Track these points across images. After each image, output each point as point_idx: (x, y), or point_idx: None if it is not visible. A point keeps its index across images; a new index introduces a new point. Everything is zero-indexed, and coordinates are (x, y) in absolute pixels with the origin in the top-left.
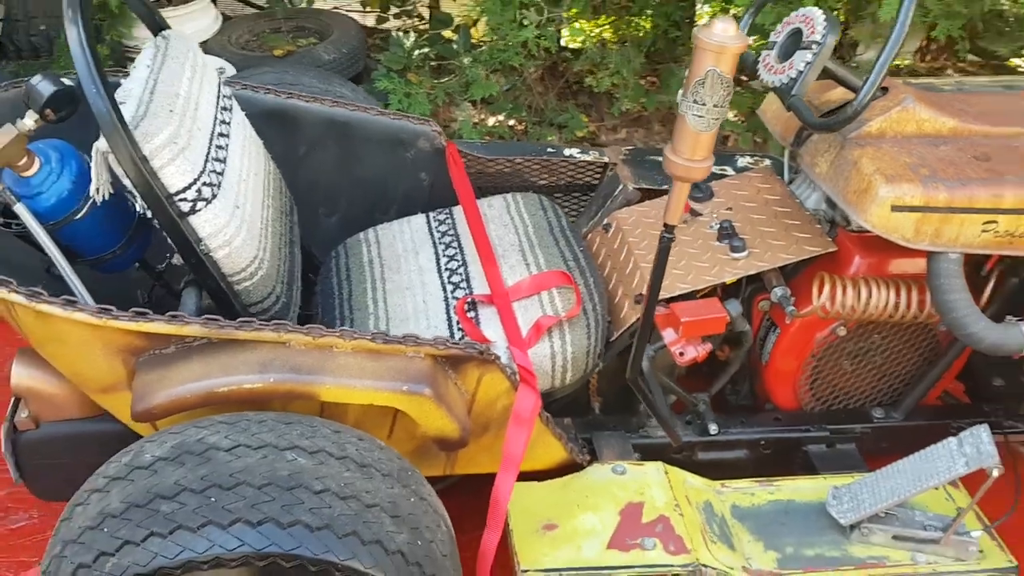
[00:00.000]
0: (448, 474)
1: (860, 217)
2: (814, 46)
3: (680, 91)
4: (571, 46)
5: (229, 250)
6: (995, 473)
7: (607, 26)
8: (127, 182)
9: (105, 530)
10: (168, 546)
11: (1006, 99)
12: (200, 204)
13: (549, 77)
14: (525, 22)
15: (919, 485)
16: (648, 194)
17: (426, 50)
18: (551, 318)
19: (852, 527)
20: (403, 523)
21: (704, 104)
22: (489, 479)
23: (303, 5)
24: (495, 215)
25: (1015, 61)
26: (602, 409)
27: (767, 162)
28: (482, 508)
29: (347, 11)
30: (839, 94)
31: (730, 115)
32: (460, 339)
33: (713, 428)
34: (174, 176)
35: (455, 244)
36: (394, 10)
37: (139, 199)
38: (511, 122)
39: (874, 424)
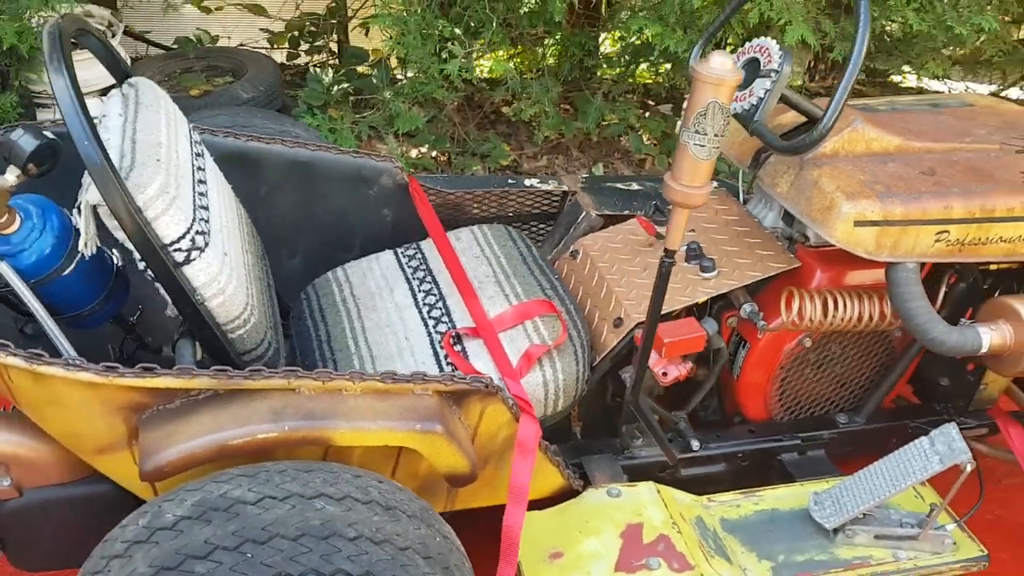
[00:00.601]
0: (447, 510)
1: (826, 233)
2: (772, 74)
3: (680, 123)
4: (489, 77)
5: (223, 298)
6: (968, 468)
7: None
8: (119, 234)
9: None
10: None
11: (936, 117)
12: (195, 253)
13: (467, 108)
14: (447, 55)
15: (897, 485)
16: (610, 220)
17: (345, 85)
18: (541, 347)
19: (836, 530)
20: (435, 563)
21: (706, 134)
22: (481, 512)
23: (210, 44)
24: (465, 247)
25: (894, 78)
26: (583, 433)
27: (714, 184)
28: (479, 541)
29: (254, 48)
30: (789, 118)
31: (644, 138)
32: (452, 373)
33: (695, 444)
34: (169, 226)
35: (429, 279)
36: (304, 46)
37: (134, 252)
38: (433, 153)
39: (840, 429)
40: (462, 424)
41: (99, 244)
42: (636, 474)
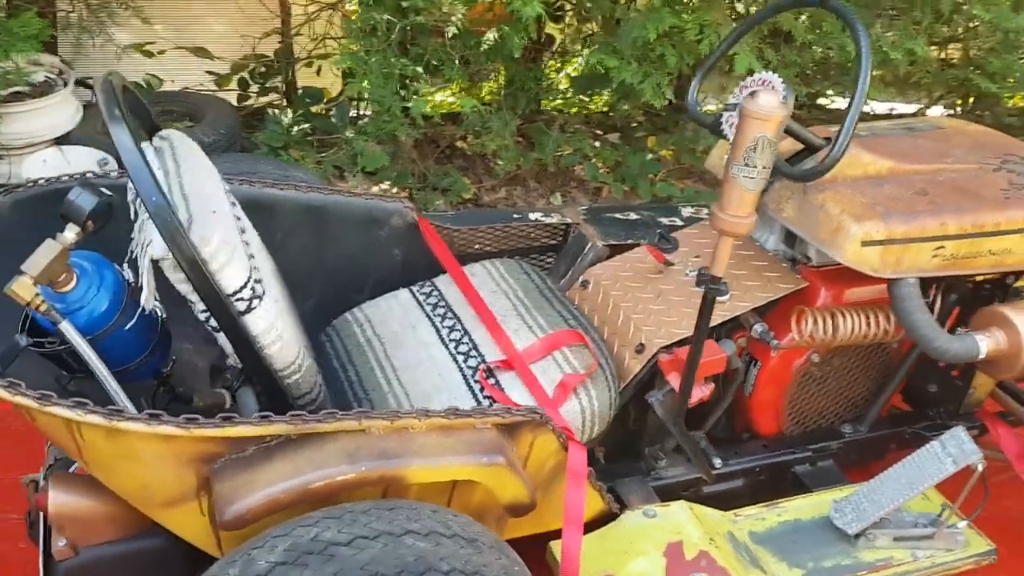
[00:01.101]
0: None
1: (836, 254)
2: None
3: (726, 157)
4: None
5: (280, 344)
6: (980, 467)
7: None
8: (183, 287)
9: None
10: None
11: (915, 140)
12: (255, 302)
13: (424, 144)
14: (410, 93)
15: (915, 488)
16: (615, 249)
17: (305, 126)
18: (576, 376)
19: (857, 535)
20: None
21: (755, 167)
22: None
23: (161, 88)
24: (481, 282)
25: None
26: (606, 458)
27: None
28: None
29: (199, 90)
30: (784, 145)
31: (600, 167)
32: (508, 407)
33: (717, 462)
34: (232, 277)
35: (451, 315)
36: (254, 87)
37: (196, 303)
38: (395, 190)
39: (846, 439)
40: (515, 455)
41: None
42: (664, 494)
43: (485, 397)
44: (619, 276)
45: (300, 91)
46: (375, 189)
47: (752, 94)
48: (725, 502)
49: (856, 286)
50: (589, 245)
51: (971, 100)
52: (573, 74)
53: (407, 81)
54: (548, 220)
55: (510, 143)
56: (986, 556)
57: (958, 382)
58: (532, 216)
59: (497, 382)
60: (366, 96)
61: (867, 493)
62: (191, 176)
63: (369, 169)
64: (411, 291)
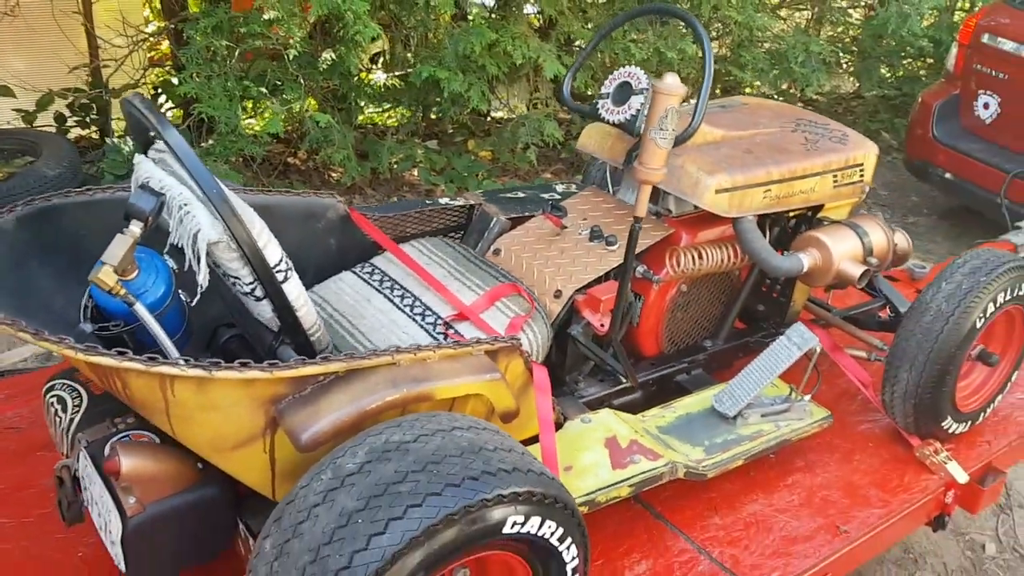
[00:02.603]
0: None
1: (697, 201)
2: (644, 92)
3: (643, 125)
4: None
5: (307, 308)
6: (819, 349)
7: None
8: (233, 265)
9: (360, 521)
10: (427, 510)
11: (731, 115)
12: (288, 273)
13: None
14: (258, 113)
15: (774, 371)
16: (516, 221)
17: None
18: (522, 316)
19: (735, 417)
20: (527, 457)
21: (666, 130)
22: None
23: None
24: (416, 257)
25: None
26: None
27: (574, 185)
28: None
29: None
30: None
31: (429, 171)
32: (493, 336)
33: (623, 378)
34: (272, 253)
35: (397, 286)
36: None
37: (246, 277)
38: None
39: (709, 351)
40: None
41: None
42: (588, 406)
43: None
44: (524, 242)
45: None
46: None
47: (659, 77)
48: (630, 410)
49: (707, 228)
50: (494, 220)
51: (719, 90)
52: (399, 86)
53: (252, 103)
54: (456, 203)
55: (351, 154)
56: (826, 420)
57: (781, 300)
58: (442, 200)
59: (456, 332)
60: (217, 118)
61: (738, 383)
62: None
63: None
64: (354, 272)
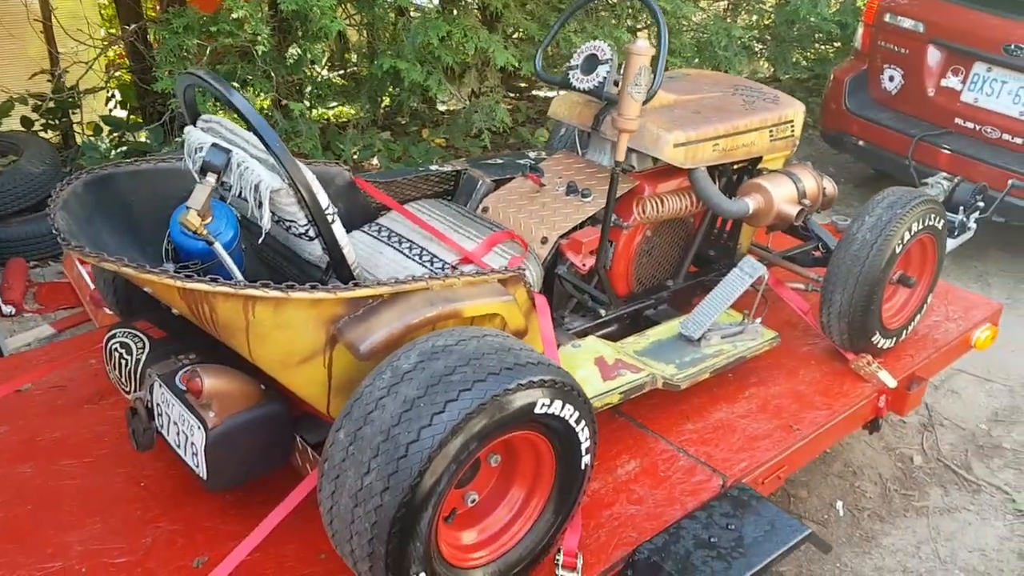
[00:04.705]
0: None
1: (658, 154)
2: (608, 62)
3: (619, 83)
4: None
5: (350, 247)
6: (766, 277)
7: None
8: (291, 209)
9: (422, 405)
10: (476, 392)
11: (679, 83)
12: (335, 216)
13: None
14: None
15: (730, 298)
16: (498, 183)
17: (123, 149)
18: (518, 257)
19: (699, 339)
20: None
21: (640, 85)
22: None
23: None
24: (418, 215)
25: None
26: None
27: (543, 152)
28: None
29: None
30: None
31: (390, 163)
32: (504, 268)
33: (603, 312)
34: (323, 198)
35: (404, 239)
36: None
37: (301, 219)
38: None
39: (672, 289)
40: None
41: None
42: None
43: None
44: (509, 199)
45: (102, 119)
46: None
47: (630, 42)
48: (609, 339)
49: (665, 180)
50: (480, 182)
51: None
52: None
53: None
54: (444, 169)
55: (317, 143)
56: (774, 340)
57: (729, 243)
58: (432, 167)
59: (463, 272)
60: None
61: (700, 310)
62: (251, 138)
63: None
64: (364, 231)
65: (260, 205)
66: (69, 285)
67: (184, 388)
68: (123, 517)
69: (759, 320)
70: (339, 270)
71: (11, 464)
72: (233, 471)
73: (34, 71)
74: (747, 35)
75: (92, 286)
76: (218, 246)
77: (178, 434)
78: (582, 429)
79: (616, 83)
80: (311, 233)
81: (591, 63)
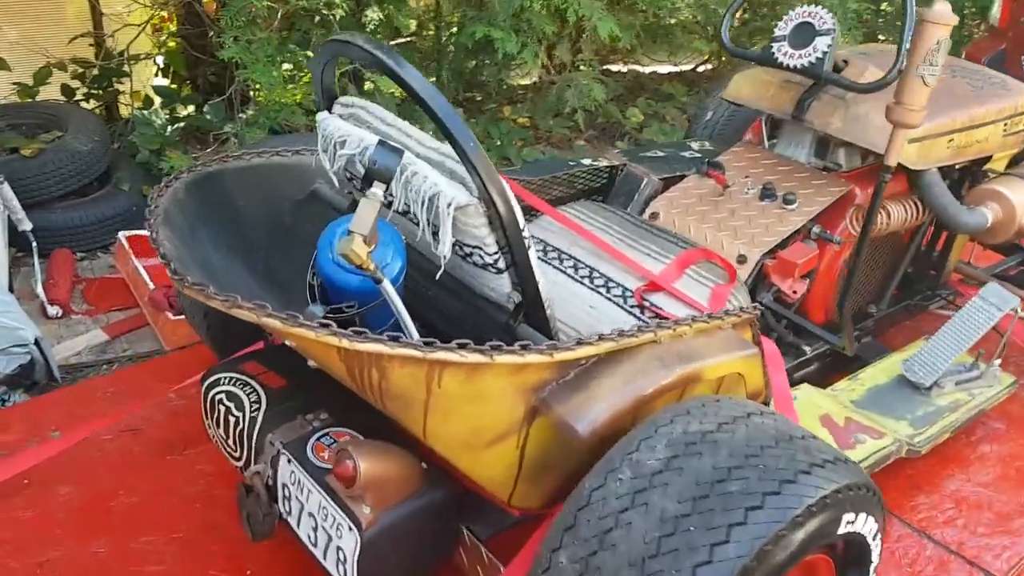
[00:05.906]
0: None
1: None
2: (831, 33)
3: (903, 62)
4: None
5: (544, 280)
6: (1020, 311)
7: None
8: (480, 231)
9: (691, 529)
10: (772, 514)
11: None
12: (531, 240)
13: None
14: (307, 78)
15: (972, 337)
16: (667, 183)
17: (180, 125)
18: (726, 286)
19: (930, 387)
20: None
21: (936, 64)
22: None
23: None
24: (578, 223)
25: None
26: None
27: (707, 143)
28: None
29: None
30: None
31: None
32: (739, 309)
33: (807, 349)
34: (520, 216)
35: (565, 256)
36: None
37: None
38: None
39: (875, 316)
40: None
41: None
42: None
43: (651, 318)
44: (683, 203)
45: (155, 90)
46: None
47: (928, 5)
48: (804, 381)
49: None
50: (645, 181)
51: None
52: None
53: (287, 71)
54: (599, 164)
55: None
56: (1012, 387)
57: (939, 261)
58: (585, 161)
59: (653, 304)
60: (259, 84)
61: (930, 350)
62: (405, 125)
63: None
64: None
65: (435, 226)
66: (122, 281)
67: (323, 466)
68: None
69: (997, 363)
70: (532, 313)
71: (79, 541)
72: None
73: (71, 32)
74: (863, 5)
75: (151, 285)
76: (387, 285)
77: (315, 530)
78: (877, 545)
79: (834, 61)
80: (500, 264)
81: (804, 34)
